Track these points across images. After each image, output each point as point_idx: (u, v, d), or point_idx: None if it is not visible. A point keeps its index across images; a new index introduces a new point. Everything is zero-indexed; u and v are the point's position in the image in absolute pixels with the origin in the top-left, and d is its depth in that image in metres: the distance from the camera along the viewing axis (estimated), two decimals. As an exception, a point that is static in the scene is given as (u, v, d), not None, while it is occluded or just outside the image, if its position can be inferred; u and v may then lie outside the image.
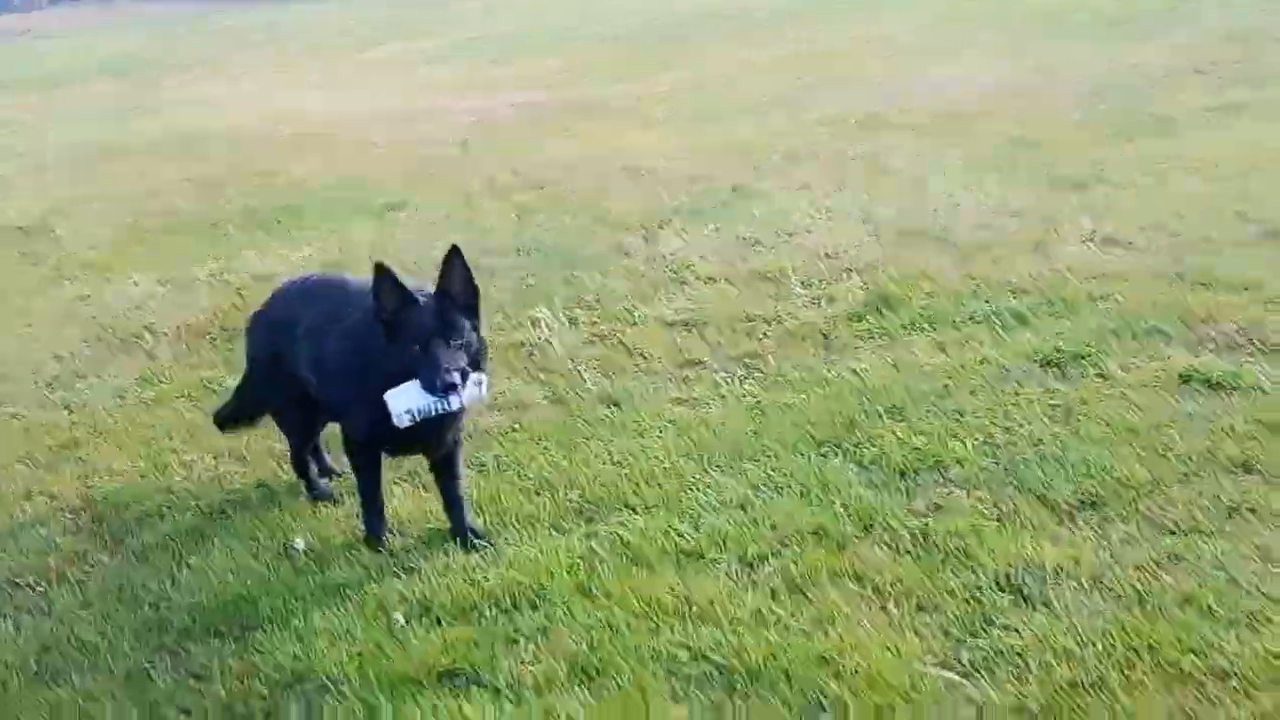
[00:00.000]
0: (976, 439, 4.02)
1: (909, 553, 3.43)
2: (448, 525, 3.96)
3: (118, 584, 3.98)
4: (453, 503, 3.97)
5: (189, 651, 3.53)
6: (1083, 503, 3.56)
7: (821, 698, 2.85)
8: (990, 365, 4.58)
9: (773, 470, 4.01)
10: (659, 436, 4.37)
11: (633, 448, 4.29)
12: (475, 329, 3.66)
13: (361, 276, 3.92)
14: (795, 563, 3.44)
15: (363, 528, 4.03)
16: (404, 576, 3.73)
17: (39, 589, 4.05)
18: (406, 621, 3.48)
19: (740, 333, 5.26)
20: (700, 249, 6.54)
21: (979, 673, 2.89)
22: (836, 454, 4.05)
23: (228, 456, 4.80)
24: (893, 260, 5.91)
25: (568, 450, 4.36)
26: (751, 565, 3.49)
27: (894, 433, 4.14)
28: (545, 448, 4.42)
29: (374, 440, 3.90)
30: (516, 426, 4.65)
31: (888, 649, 2.99)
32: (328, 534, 4.08)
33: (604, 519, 3.84)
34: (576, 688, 3.04)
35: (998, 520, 3.52)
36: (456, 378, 3.49)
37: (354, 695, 3.17)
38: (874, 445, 4.06)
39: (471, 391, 3.58)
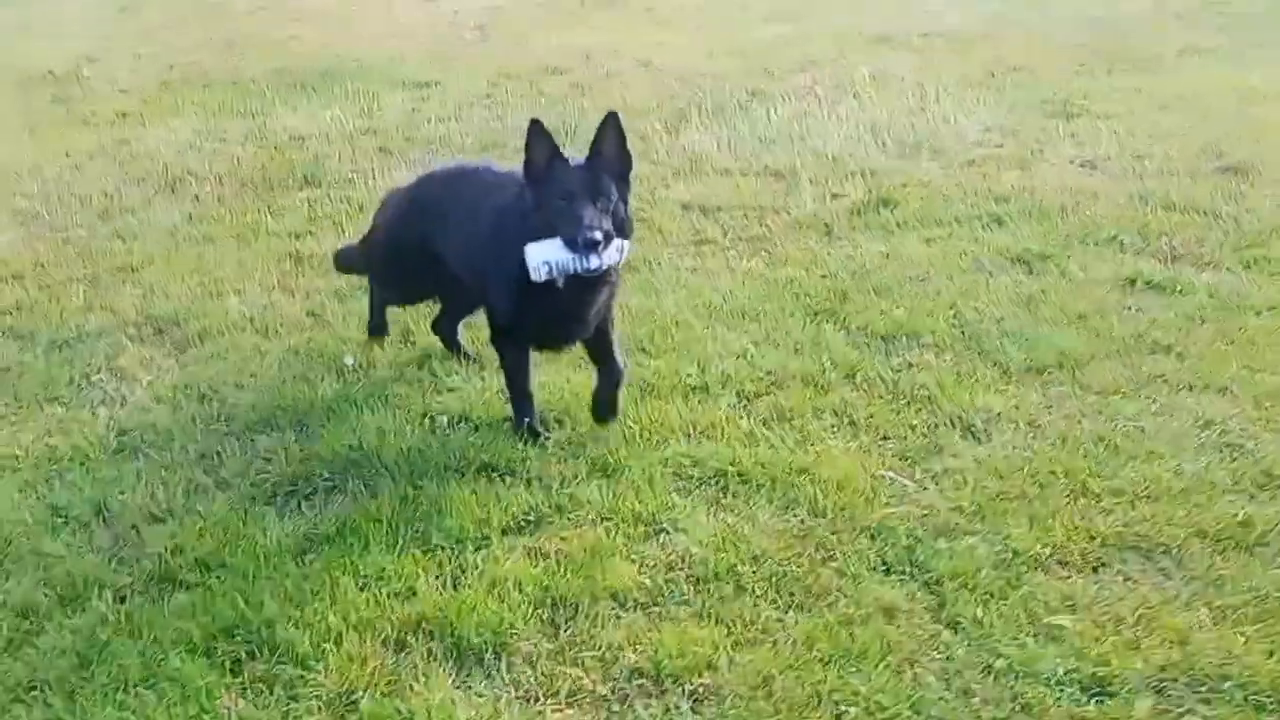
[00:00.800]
0: (949, 315, 4.67)
1: (881, 397, 4.10)
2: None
3: (185, 383, 4.54)
4: (604, 384, 3.96)
5: (254, 440, 4.10)
6: (1030, 368, 4.23)
7: (798, 495, 3.54)
8: (968, 258, 5.22)
9: (772, 329, 4.65)
10: (672, 296, 5.00)
11: (649, 305, 4.91)
12: (624, 198, 3.61)
13: (509, 167, 4.01)
14: (785, 399, 4.10)
15: (514, 424, 3.98)
16: (444, 394, 4.33)
17: (111, 385, 4.60)
18: (449, 424, 4.10)
19: (751, 219, 5.86)
20: (717, 143, 7.11)
21: (927, 485, 3.59)
22: (829, 321, 4.69)
23: (278, 288, 5.37)
24: (893, 167, 6.51)
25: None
26: (748, 400, 4.14)
27: (879, 307, 4.78)
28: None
29: (518, 321, 3.84)
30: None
31: (856, 464, 3.68)
32: (374, 355, 4.68)
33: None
34: (595, 481, 3.69)
35: (957, 376, 4.19)
36: (599, 235, 3.42)
37: (405, 478, 3.80)
38: (861, 316, 4.70)
39: (611, 255, 3.52)
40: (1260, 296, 4.72)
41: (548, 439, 3.89)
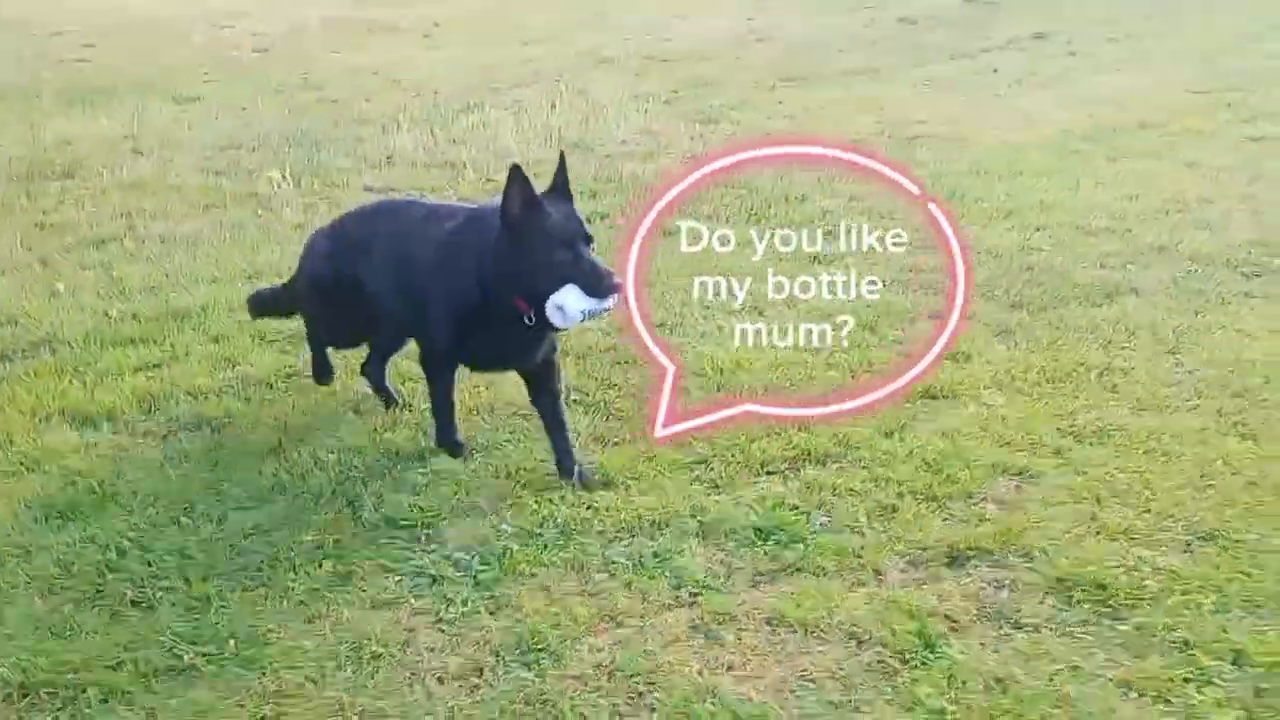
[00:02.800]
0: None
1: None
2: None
3: None
4: (554, 427, 4.04)
5: None
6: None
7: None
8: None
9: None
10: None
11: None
12: None
13: (435, 200, 4.80)
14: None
15: (436, 439, 4.17)
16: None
17: None
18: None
19: (422, 190, 7.69)
20: (414, 144, 8.95)
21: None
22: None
23: (20, 246, 7.00)
24: (545, 157, 8.41)
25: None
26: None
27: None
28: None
29: (456, 349, 4.02)
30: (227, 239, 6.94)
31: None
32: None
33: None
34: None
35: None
36: (619, 278, 3.68)
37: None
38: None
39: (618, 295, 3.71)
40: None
41: (469, 453, 4.13)
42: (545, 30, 13.64)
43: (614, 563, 3.56)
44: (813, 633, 3.21)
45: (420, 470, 4.11)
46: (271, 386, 4.85)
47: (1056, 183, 7.46)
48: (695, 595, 3.40)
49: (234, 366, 5.03)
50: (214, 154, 8.71)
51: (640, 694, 3.01)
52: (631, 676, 3.06)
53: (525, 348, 3.95)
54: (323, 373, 4.71)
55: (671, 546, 3.61)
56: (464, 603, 3.38)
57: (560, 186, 3.76)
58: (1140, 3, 14.16)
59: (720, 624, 3.28)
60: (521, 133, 9.16)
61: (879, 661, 3.09)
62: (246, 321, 5.23)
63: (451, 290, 3.86)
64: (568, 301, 3.61)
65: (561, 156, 3.80)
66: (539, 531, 3.72)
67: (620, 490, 3.95)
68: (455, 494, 3.94)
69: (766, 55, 12.01)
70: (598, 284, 3.60)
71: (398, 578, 3.52)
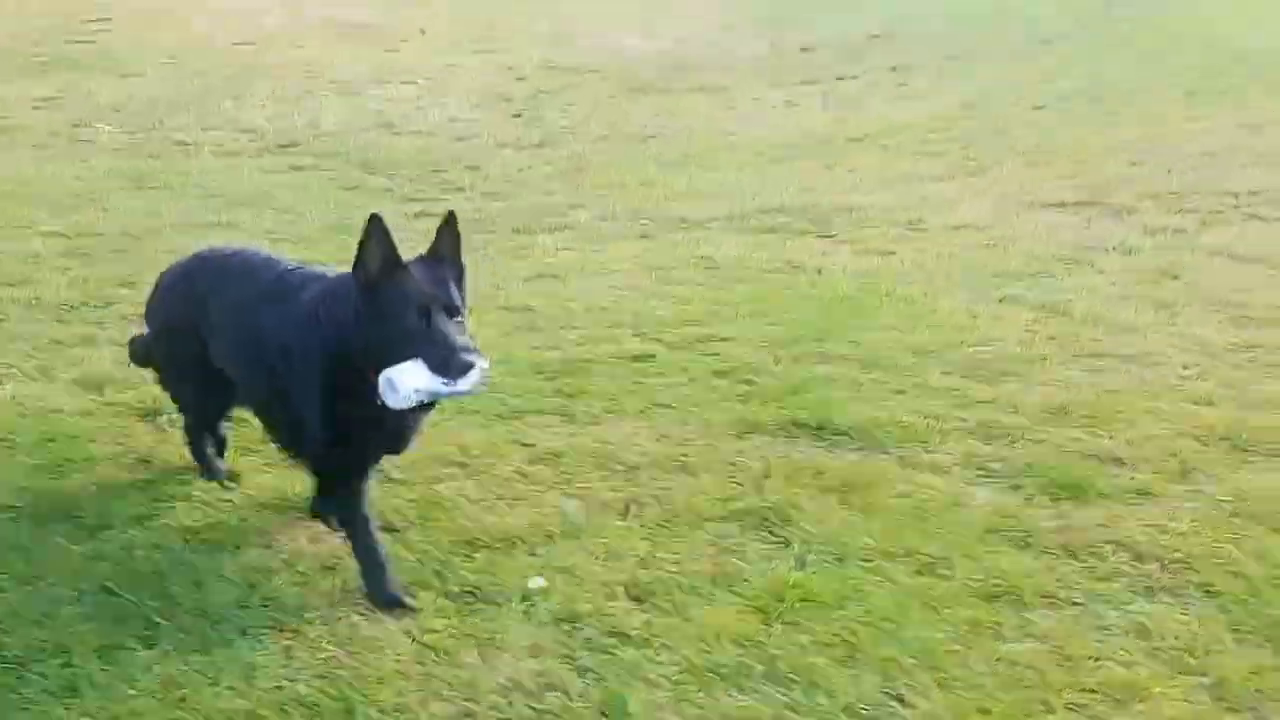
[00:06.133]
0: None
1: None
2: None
3: None
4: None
5: None
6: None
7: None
8: (330, 184, 9.66)
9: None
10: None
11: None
12: (465, 303, 3.41)
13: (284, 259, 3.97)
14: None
15: (369, 596, 3.56)
16: None
17: None
18: None
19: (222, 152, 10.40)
20: (266, 118, 11.73)
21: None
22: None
23: None
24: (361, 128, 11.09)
25: None
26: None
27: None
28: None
29: (336, 450, 3.59)
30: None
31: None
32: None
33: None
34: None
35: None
36: (474, 358, 3.22)
37: None
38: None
39: (475, 377, 3.26)
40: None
41: (413, 605, 3.51)
42: (485, 35, 16.37)
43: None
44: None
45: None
46: None
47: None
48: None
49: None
50: None
51: None
52: None
53: (412, 429, 3.62)
54: (212, 470, 4.28)
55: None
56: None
57: (439, 249, 3.43)
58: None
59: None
60: (353, 110, 11.84)
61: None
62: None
63: (312, 371, 3.50)
64: (402, 377, 3.23)
65: (450, 217, 3.46)
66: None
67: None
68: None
69: (642, 69, 14.49)
70: (443, 360, 3.21)
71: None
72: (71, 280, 6.56)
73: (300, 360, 3.56)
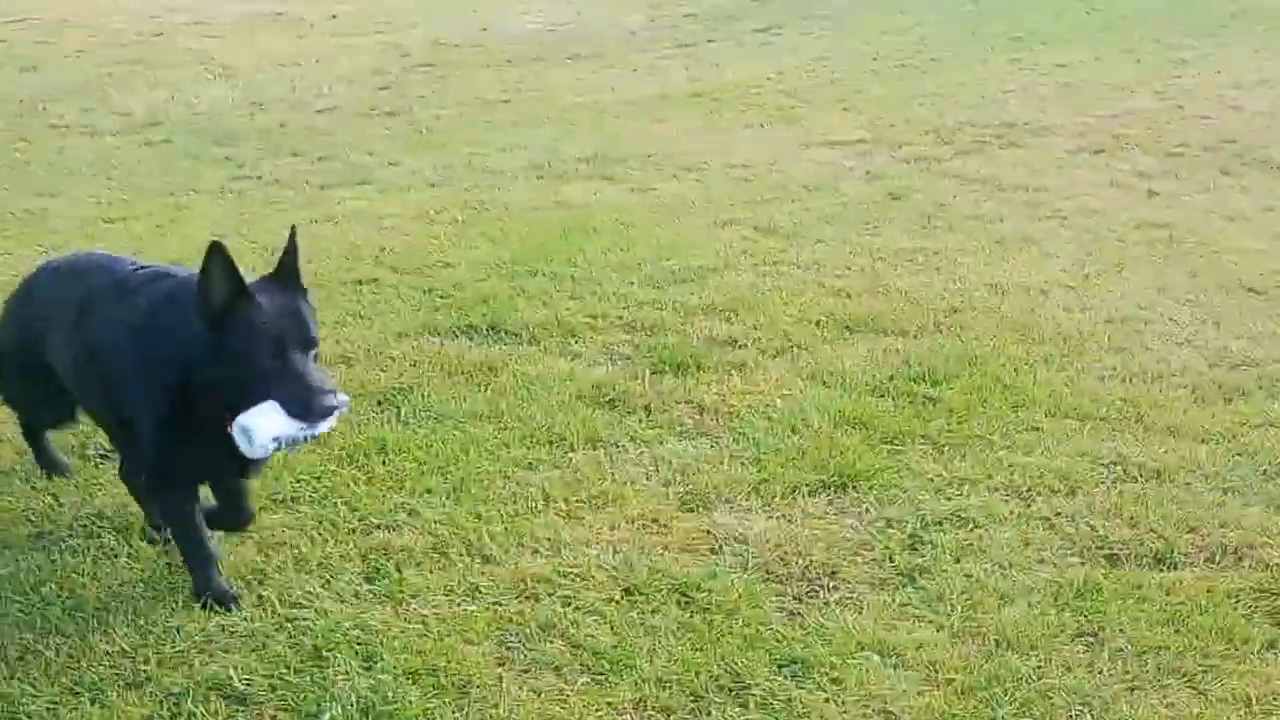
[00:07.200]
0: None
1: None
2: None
3: None
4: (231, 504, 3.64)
5: None
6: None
7: None
8: (182, 154, 10.60)
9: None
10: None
11: None
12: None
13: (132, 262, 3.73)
14: None
15: (195, 591, 3.49)
16: None
17: None
18: None
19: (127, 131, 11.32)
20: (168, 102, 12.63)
21: None
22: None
23: None
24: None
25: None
26: None
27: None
28: None
29: (173, 470, 3.40)
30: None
31: None
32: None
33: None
34: None
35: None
36: (335, 400, 3.05)
37: None
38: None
39: (333, 419, 3.12)
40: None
41: (236, 602, 3.47)
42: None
43: None
44: None
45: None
46: None
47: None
48: None
49: None
50: None
51: None
52: None
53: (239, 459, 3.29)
54: (53, 464, 4.21)
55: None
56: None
57: (287, 269, 3.21)
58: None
59: None
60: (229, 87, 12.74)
61: None
62: None
63: (152, 389, 3.27)
64: (257, 425, 3.02)
65: (293, 232, 3.24)
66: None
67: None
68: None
69: (523, 44, 15.32)
70: (302, 404, 3.02)
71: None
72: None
73: (135, 378, 3.33)
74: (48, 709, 3.18)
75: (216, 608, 3.45)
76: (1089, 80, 11.63)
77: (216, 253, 3.08)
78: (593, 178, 8.90)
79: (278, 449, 3.13)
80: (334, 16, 17.69)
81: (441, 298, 6.21)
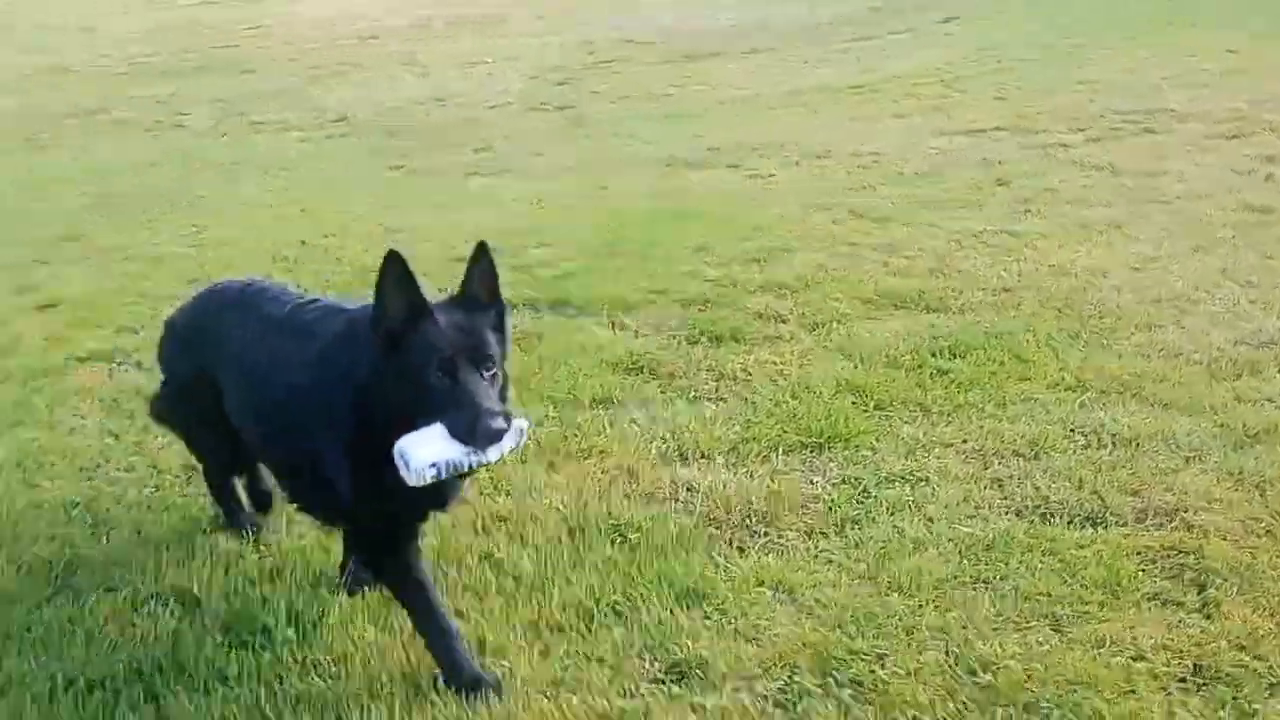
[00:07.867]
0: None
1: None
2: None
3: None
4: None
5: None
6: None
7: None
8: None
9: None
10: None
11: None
12: (505, 353, 3.01)
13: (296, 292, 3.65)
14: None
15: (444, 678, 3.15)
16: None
17: None
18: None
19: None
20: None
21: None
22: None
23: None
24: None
25: None
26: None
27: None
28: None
29: (375, 519, 3.19)
30: None
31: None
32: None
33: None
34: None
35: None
36: (502, 423, 2.80)
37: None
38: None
39: (509, 442, 2.89)
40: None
41: (498, 687, 3.13)
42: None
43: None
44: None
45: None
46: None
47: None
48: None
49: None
50: None
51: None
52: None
53: (454, 492, 3.21)
54: (239, 519, 4.00)
55: None
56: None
57: (473, 290, 3.03)
58: None
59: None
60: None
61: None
62: None
63: (336, 429, 3.11)
64: (415, 449, 2.84)
65: (481, 247, 3.05)
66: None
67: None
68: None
69: (700, 39, 15.76)
70: (467, 425, 2.81)
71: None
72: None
73: (319, 416, 3.18)
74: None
75: (473, 694, 3.10)
76: (1251, 67, 11.16)
77: (394, 264, 2.92)
78: (717, 166, 9.25)
79: (437, 475, 2.86)
80: (540, 18, 18.60)
81: (523, 274, 6.67)
